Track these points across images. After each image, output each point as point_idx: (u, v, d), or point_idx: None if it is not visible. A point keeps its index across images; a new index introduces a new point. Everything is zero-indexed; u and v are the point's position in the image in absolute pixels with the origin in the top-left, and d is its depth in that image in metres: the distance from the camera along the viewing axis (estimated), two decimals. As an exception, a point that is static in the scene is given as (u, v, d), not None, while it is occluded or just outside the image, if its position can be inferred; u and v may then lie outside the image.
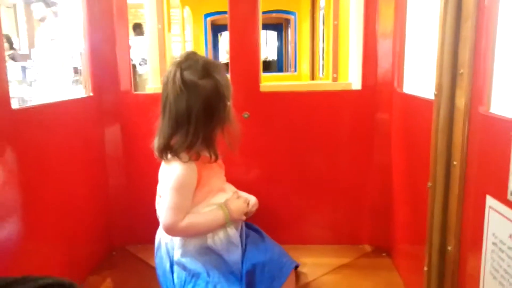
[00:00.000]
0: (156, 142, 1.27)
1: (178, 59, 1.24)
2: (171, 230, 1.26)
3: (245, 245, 1.37)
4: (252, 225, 1.47)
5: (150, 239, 1.43)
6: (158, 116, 1.29)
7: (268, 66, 7.01)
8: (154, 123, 1.30)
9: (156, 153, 1.28)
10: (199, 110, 1.20)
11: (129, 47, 1.75)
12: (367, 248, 1.82)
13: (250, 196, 1.45)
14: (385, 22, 1.64)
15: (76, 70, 4.78)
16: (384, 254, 1.77)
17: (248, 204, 1.39)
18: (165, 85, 1.22)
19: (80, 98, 1.67)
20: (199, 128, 1.21)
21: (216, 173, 1.34)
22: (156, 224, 1.38)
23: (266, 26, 6.94)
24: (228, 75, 1.37)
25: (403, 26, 1.54)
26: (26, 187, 1.20)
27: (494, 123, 0.91)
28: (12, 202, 1.14)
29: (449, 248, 1.11)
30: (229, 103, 1.27)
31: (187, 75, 1.20)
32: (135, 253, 1.81)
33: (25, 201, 1.20)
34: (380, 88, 1.70)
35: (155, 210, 1.36)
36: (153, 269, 1.61)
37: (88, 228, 1.64)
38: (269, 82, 3.37)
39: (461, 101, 1.02)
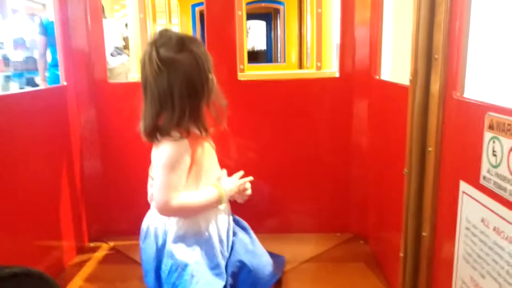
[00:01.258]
0: (142, 126, 1.22)
1: (152, 38, 1.20)
2: (165, 210, 1.22)
3: (233, 242, 1.35)
4: (240, 221, 1.44)
5: (128, 231, 1.41)
6: (134, 106, 1.26)
7: (256, 56, 6.92)
8: (130, 112, 1.27)
9: (144, 137, 1.23)
10: (181, 85, 1.16)
11: (103, 34, 1.70)
12: (346, 235, 1.83)
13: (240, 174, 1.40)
14: (362, 10, 1.64)
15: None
16: (362, 242, 1.78)
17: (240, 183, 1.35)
18: (143, 66, 1.18)
19: (54, 87, 1.64)
20: (184, 104, 1.17)
21: (209, 152, 1.31)
22: (134, 214, 1.35)
23: (254, 16, 6.87)
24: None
25: (379, 14, 1.53)
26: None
27: (467, 107, 0.91)
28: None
29: (424, 234, 1.12)
30: (211, 75, 1.23)
31: (163, 52, 1.15)
32: (113, 245, 1.79)
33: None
34: (357, 75, 1.70)
35: (132, 201, 1.34)
36: (131, 260, 1.60)
37: (63, 219, 1.61)
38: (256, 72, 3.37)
39: (435, 87, 1.02)
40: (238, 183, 1.33)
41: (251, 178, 1.36)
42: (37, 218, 1.41)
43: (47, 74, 3.90)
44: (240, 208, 1.38)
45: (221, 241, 1.29)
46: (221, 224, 1.30)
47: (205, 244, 1.26)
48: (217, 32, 1.69)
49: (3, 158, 1.25)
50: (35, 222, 1.40)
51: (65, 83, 1.64)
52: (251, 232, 1.41)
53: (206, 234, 1.26)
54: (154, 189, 1.22)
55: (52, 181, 1.54)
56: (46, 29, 3.47)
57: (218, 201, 1.26)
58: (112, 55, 4.04)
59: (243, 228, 1.41)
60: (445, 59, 0.98)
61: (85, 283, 1.52)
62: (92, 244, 1.80)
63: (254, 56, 6.84)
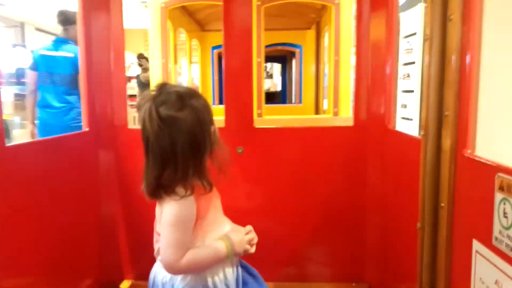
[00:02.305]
0: (144, 185, 1.21)
1: (151, 93, 1.17)
2: (173, 269, 1.20)
3: None
4: (250, 268, 1.39)
5: (140, 276, 1.41)
6: None
7: (272, 97, 7.05)
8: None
9: (147, 196, 1.21)
10: (184, 143, 1.14)
11: (125, 83, 1.77)
12: (361, 286, 1.79)
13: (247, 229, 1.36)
14: (376, 60, 1.67)
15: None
16: (377, 292, 1.74)
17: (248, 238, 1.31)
18: (143, 124, 1.15)
19: (77, 133, 1.69)
20: (187, 160, 1.15)
21: (214, 204, 1.28)
22: (147, 260, 1.35)
23: (270, 58, 7.03)
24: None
25: (393, 66, 1.55)
26: (12, 221, 1.20)
27: (478, 166, 0.90)
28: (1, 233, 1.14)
29: (439, 290, 1.09)
30: (213, 127, 1.22)
31: (163, 110, 1.13)
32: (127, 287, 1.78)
33: (12, 234, 1.19)
34: (371, 124, 1.71)
35: (146, 247, 1.34)
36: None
37: (76, 262, 1.62)
38: (273, 113, 3.41)
39: (447, 143, 1.02)
40: (246, 238, 1.30)
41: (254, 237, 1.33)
42: (51, 261, 1.42)
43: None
44: (251, 255, 1.37)
45: None
46: (228, 276, 1.27)
47: None
48: (235, 81, 1.73)
49: (30, 198, 1.29)
50: (51, 265, 1.41)
51: (87, 129, 1.70)
52: (261, 280, 1.37)
53: (215, 285, 1.24)
54: (161, 247, 1.21)
55: (70, 221, 1.55)
56: (37, 64, 3.15)
57: (225, 256, 1.23)
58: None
59: (253, 276, 1.37)
60: (455, 117, 0.98)
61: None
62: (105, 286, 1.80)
63: (270, 97, 6.95)
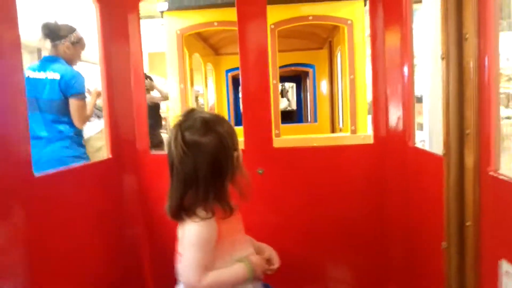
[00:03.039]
0: (168, 206, 1.25)
1: (178, 120, 1.23)
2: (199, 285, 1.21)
3: None
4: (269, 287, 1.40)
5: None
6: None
7: (288, 116, 7.09)
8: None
9: (170, 216, 1.26)
10: (207, 167, 1.18)
11: (146, 108, 1.80)
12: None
13: (270, 251, 1.39)
14: (394, 76, 1.67)
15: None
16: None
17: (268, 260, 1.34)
18: (169, 148, 1.21)
19: (100, 161, 1.72)
20: (209, 184, 1.19)
21: (235, 226, 1.30)
22: (170, 283, 1.36)
23: (285, 78, 7.09)
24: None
25: (411, 82, 1.56)
26: (42, 250, 1.22)
27: (504, 185, 0.89)
28: (27, 269, 1.15)
29: (468, 312, 1.07)
30: (236, 153, 1.25)
31: (188, 135, 1.18)
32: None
33: (40, 266, 1.21)
34: (391, 142, 1.70)
35: (168, 270, 1.35)
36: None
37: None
38: (289, 133, 3.43)
39: (469, 161, 1.01)
40: (264, 265, 1.31)
41: (275, 266, 1.35)
42: (79, 282, 1.43)
43: None
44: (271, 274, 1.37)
45: None
46: None
47: None
48: (253, 103, 1.75)
49: (58, 225, 1.31)
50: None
51: (110, 156, 1.73)
52: None
53: None
54: (183, 268, 1.23)
55: (96, 247, 1.57)
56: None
57: (246, 278, 1.24)
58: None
59: None
60: (477, 135, 0.98)
61: None
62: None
63: (287, 116, 6.99)
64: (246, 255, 1.28)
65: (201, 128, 1.20)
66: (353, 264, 1.80)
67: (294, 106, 8.19)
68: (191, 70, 3.46)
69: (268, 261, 1.35)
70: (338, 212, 1.77)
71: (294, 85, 7.11)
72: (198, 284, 1.20)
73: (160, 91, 4.49)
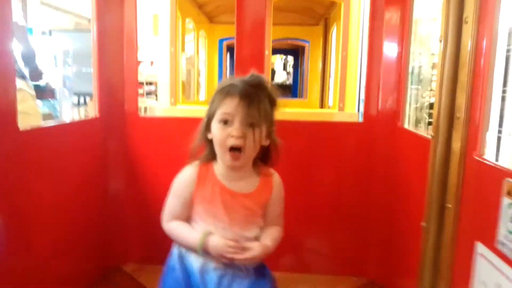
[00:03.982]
0: None
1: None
2: (162, 226, 1.29)
3: None
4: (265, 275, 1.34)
5: (145, 259, 1.43)
6: (162, 140, 1.30)
7: (285, 90, 7.01)
8: (158, 145, 1.32)
9: None
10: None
11: (137, 71, 1.78)
12: (362, 280, 1.80)
13: (256, 247, 1.25)
14: (389, 56, 1.67)
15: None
16: (377, 288, 1.76)
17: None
18: None
19: (87, 120, 1.70)
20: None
21: (218, 204, 1.25)
22: (152, 244, 1.37)
23: (284, 51, 6.99)
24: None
25: (406, 63, 1.56)
26: (23, 202, 1.22)
27: (486, 170, 0.91)
28: (8, 219, 1.15)
29: (440, 290, 1.11)
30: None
31: None
32: (130, 273, 1.80)
33: (21, 217, 1.21)
34: (381, 121, 1.71)
35: (151, 231, 1.37)
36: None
37: (82, 245, 1.64)
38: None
39: (456, 145, 1.03)
40: (228, 249, 1.20)
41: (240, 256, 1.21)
42: (59, 244, 1.43)
43: None
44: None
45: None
46: (193, 263, 1.26)
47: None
48: (245, 70, 1.73)
49: (40, 181, 1.30)
50: (58, 248, 1.43)
51: (97, 115, 1.71)
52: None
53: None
54: None
55: (78, 205, 1.57)
56: None
57: (195, 248, 1.22)
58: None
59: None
60: (467, 119, 0.99)
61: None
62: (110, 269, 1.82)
63: (283, 90, 6.92)
64: (212, 232, 1.22)
65: None
66: (334, 237, 1.83)
67: (291, 81, 8.08)
68: (183, 35, 3.40)
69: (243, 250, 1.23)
70: (323, 186, 1.80)
71: (292, 58, 6.97)
72: (162, 223, 1.28)
73: None
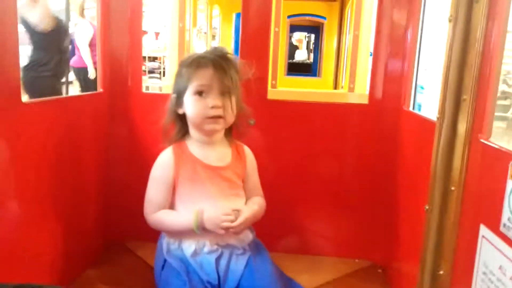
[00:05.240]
0: None
1: None
2: (147, 221, 1.29)
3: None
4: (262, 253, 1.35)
5: (148, 237, 1.44)
6: (164, 116, 1.31)
7: (304, 68, 6.91)
8: (160, 122, 1.32)
9: None
10: None
11: (141, 46, 1.77)
12: (364, 263, 1.81)
13: (245, 209, 1.28)
14: (396, 37, 1.64)
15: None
16: (379, 271, 1.76)
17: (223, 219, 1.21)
18: None
19: (90, 94, 1.70)
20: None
21: (203, 180, 1.27)
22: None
23: (306, 28, 6.87)
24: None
25: (414, 46, 1.53)
26: (26, 177, 1.22)
27: (492, 153, 0.90)
28: (11, 192, 1.16)
29: (441, 272, 1.10)
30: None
31: None
32: (133, 250, 1.82)
33: (24, 191, 1.22)
34: (386, 104, 1.69)
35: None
36: (150, 267, 1.63)
37: (85, 221, 1.66)
38: (293, 85, 3.37)
39: (462, 127, 1.01)
40: (222, 218, 1.20)
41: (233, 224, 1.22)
42: (60, 220, 1.44)
43: None
44: (257, 224, 1.38)
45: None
46: (185, 249, 1.26)
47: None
48: (251, 47, 1.72)
49: (43, 153, 1.31)
50: (60, 224, 1.44)
51: (101, 90, 1.71)
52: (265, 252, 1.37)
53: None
54: None
55: (79, 183, 1.58)
56: None
57: (191, 227, 1.22)
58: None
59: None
60: (473, 101, 0.97)
61: (104, 286, 1.55)
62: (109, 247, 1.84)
63: (303, 68, 6.81)
64: (203, 207, 1.23)
65: None
66: (337, 218, 1.83)
67: (312, 59, 7.98)
68: (195, 10, 3.37)
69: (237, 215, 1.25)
70: (328, 168, 1.79)
71: (314, 36, 6.82)
72: (147, 217, 1.28)
73: None
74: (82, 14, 5.06)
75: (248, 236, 1.33)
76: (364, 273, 1.75)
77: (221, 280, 1.23)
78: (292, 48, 8.52)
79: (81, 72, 5.02)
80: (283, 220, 1.81)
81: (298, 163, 1.79)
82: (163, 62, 8.28)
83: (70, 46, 4.68)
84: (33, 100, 1.31)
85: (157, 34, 8.14)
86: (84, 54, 4.91)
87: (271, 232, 1.51)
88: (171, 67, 3.00)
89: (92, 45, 4.86)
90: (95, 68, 4.61)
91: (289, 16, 4.24)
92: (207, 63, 1.22)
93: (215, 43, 5.47)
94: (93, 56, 4.86)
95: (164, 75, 8.09)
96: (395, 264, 1.64)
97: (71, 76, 5.43)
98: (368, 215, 1.79)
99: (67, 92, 5.53)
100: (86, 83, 4.99)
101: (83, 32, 4.94)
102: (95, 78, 4.36)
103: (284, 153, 1.78)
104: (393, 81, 1.66)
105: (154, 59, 8.08)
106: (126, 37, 1.73)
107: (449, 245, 1.07)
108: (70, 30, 5.01)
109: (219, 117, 1.23)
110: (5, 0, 1.07)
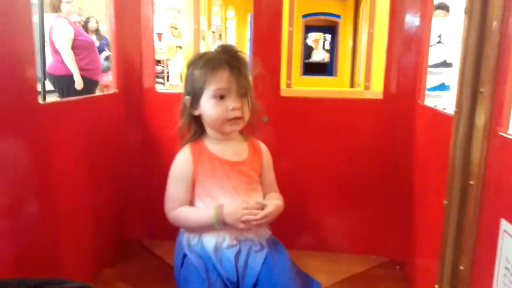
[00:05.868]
0: None
1: None
2: (168, 219, 1.30)
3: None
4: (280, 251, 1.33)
5: (165, 235, 1.45)
6: (178, 116, 1.31)
7: (321, 68, 6.88)
8: (175, 121, 1.32)
9: None
10: None
11: (154, 46, 1.78)
12: (382, 259, 1.80)
13: (270, 204, 1.27)
14: (409, 34, 1.63)
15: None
16: (397, 267, 1.74)
17: (248, 210, 1.21)
18: None
19: (106, 95, 1.72)
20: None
21: (220, 176, 1.27)
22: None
23: (321, 29, 6.85)
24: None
25: (427, 39, 1.51)
26: (45, 178, 1.24)
27: (511, 145, 0.88)
28: (31, 192, 1.18)
29: (461, 267, 1.09)
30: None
31: None
32: (150, 248, 1.84)
33: (43, 191, 1.24)
34: (401, 99, 1.68)
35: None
36: (167, 265, 1.64)
37: (103, 220, 1.68)
38: (309, 85, 3.36)
39: (480, 120, 1.00)
40: (242, 212, 1.21)
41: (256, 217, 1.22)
42: (79, 219, 1.47)
43: None
44: (275, 222, 1.38)
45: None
46: (206, 243, 1.26)
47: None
48: (263, 47, 1.72)
49: (60, 156, 1.32)
50: (78, 223, 1.46)
51: (116, 90, 1.73)
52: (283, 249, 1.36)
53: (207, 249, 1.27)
54: None
55: (96, 183, 1.60)
56: None
57: (211, 223, 1.22)
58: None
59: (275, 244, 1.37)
60: (491, 94, 0.96)
61: (123, 284, 1.57)
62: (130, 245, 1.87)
63: (319, 68, 6.78)
64: (223, 203, 1.24)
65: None
66: (354, 215, 1.82)
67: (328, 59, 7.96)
68: (209, 11, 3.38)
69: (258, 209, 1.24)
70: (344, 165, 1.78)
71: (330, 36, 6.80)
72: (167, 214, 1.29)
73: None
74: (58, 9, 4.20)
75: (266, 231, 1.34)
76: (381, 269, 1.74)
77: (240, 276, 1.24)
78: (309, 49, 8.49)
79: (63, 81, 4.18)
80: (299, 217, 1.81)
81: (312, 160, 1.78)
82: (167, 66, 8.25)
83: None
84: (49, 101, 1.33)
85: (159, 35, 8.07)
86: (66, 59, 4.08)
87: (287, 229, 1.51)
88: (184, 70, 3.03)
89: (75, 47, 4.12)
90: (82, 76, 4.14)
91: (303, 16, 4.22)
92: (223, 64, 1.21)
93: (219, 42, 5.48)
94: (79, 61, 4.14)
95: (168, 80, 8.02)
96: (414, 260, 1.62)
97: (48, 84, 4.55)
98: (385, 211, 1.78)
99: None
100: (69, 94, 4.09)
101: (61, 32, 4.08)
102: (83, 89, 3.99)
103: (299, 150, 1.78)
104: (407, 75, 1.64)
105: (157, 62, 8.02)
106: (139, 40, 1.76)
107: (469, 240, 1.05)
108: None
109: (239, 118, 1.23)
110: (20, 2, 1.08)
